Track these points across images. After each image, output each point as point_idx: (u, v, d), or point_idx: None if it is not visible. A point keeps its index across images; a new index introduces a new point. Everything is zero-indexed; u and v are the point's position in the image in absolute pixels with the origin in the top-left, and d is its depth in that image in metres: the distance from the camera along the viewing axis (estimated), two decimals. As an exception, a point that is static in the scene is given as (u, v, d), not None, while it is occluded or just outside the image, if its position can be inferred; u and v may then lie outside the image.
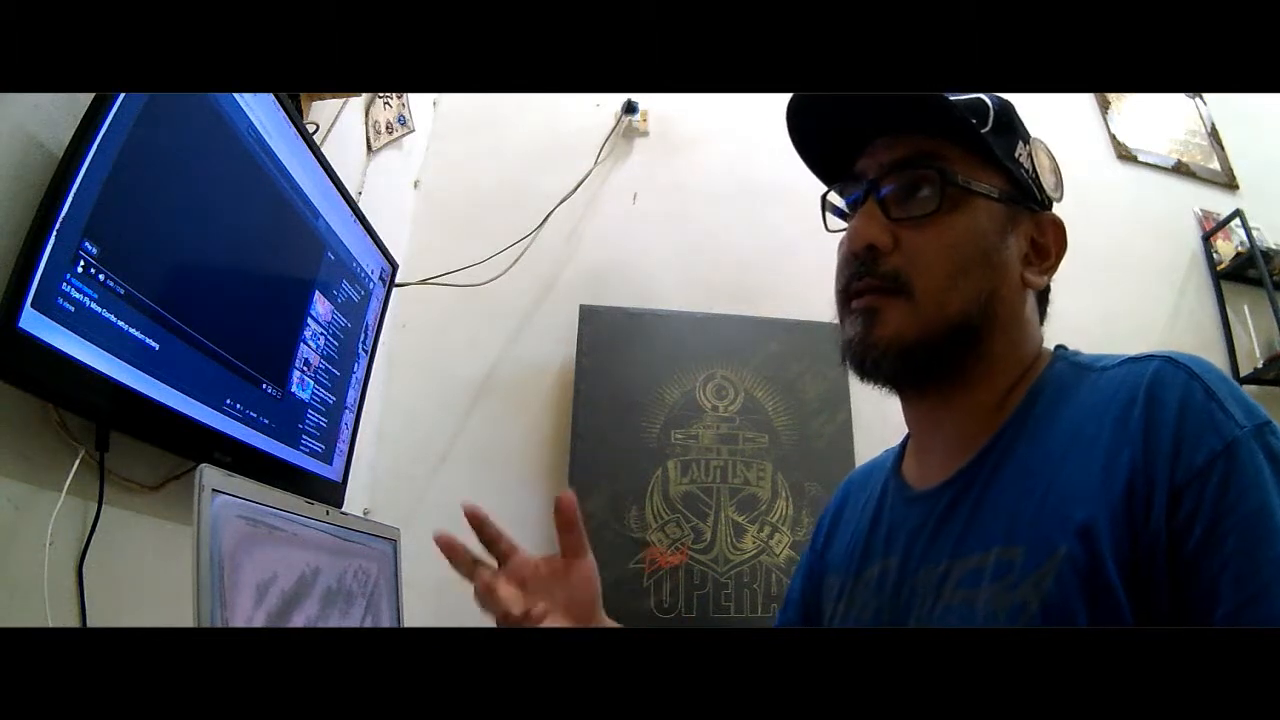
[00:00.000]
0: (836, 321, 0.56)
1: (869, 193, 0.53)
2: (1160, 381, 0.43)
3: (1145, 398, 0.43)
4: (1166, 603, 0.39)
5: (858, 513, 0.63)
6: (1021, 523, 0.44)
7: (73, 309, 0.60)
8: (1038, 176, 0.54)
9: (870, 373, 0.52)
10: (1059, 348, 0.55)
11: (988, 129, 0.52)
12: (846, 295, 0.54)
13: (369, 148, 1.54)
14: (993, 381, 0.52)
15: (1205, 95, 2.82)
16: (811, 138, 0.57)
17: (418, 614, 1.10)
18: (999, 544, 0.45)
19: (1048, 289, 0.56)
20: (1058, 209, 0.57)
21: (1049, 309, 0.57)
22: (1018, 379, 0.52)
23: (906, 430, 0.60)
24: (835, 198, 0.58)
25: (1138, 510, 0.40)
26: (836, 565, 0.63)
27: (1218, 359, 2.29)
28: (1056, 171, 0.56)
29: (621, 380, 1.68)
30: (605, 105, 2.09)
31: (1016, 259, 0.52)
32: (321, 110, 1.28)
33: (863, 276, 0.52)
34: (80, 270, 0.61)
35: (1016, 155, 0.53)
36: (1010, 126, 0.53)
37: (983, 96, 0.53)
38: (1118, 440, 0.43)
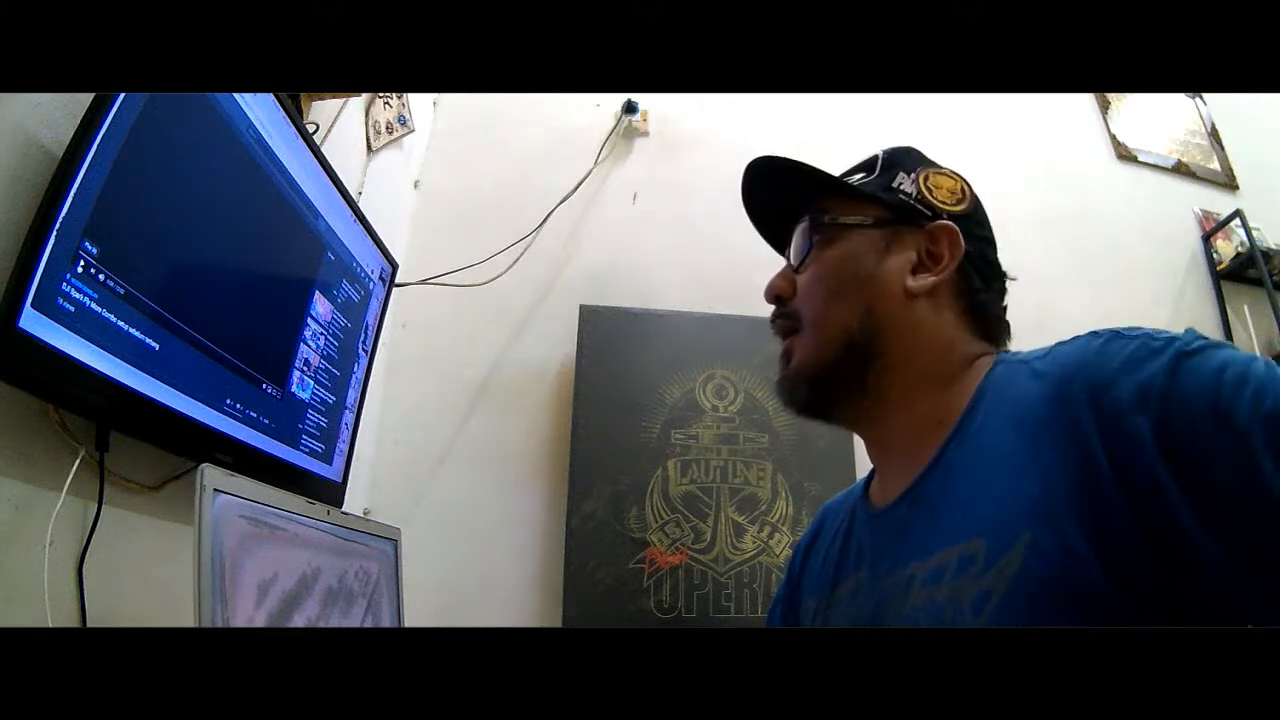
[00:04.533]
0: None
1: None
2: (1090, 349, 0.45)
3: (1084, 370, 0.44)
4: (1141, 550, 0.38)
5: (829, 539, 0.66)
6: (980, 517, 0.45)
7: (73, 309, 0.60)
8: (925, 196, 0.59)
9: (793, 404, 0.60)
10: (1000, 353, 0.56)
11: (875, 174, 0.60)
12: None
13: (369, 148, 1.53)
14: (916, 393, 0.55)
15: (1205, 95, 2.83)
16: (761, 226, 0.70)
17: (418, 614, 1.10)
18: (961, 540, 0.45)
19: (976, 297, 0.58)
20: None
21: (1005, 315, 0.60)
22: (949, 388, 0.54)
23: None
24: None
25: (1101, 475, 0.40)
26: (811, 589, 0.65)
27: (1218, 359, 2.29)
28: (959, 190, 0.60)
29: (621, 380, 1.68)
30: (605, 105, 2.09)
31: (897, 272, 0.57)
32: (321, 110, 1.28)
33: (775, 322, 0.62)
34: (80, 270, 0.61)
35: (895, 185, 0.59)
36: (894, 164, 0.61)
37: (877, 152, 0.62)
38: (1066, 413, 0.43)
